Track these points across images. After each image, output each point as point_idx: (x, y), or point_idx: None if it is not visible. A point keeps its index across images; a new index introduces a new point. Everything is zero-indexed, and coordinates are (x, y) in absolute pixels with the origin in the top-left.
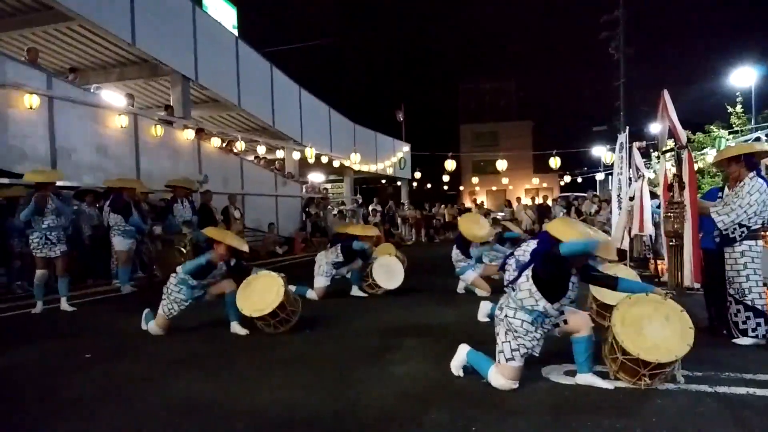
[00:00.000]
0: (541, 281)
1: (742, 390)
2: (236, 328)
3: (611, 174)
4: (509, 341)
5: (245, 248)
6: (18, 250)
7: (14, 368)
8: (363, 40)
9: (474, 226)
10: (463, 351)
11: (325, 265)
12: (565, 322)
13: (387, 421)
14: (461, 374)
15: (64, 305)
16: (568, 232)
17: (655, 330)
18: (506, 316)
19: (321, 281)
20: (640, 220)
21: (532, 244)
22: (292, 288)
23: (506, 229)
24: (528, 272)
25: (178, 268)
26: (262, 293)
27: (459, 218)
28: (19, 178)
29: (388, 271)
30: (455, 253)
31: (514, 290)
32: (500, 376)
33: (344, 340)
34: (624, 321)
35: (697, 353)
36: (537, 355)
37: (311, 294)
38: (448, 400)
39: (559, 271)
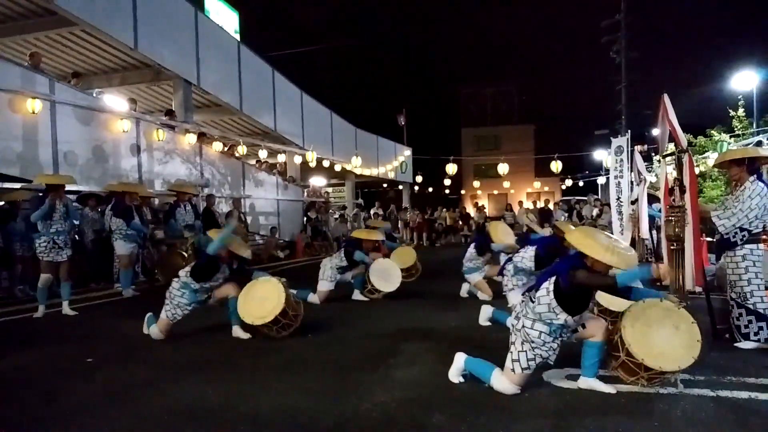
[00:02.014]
0: (564, 296)
1: (744, 394)
2: (238, 332)
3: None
4: (525, 351)
5: (248, 254)
6: (19, 254)
7: (16, 372)
8: (365, 44)
9: (505, 237)
10: (460, 359)
11: (329, 270)
12: (583, 326)
13: (389, 426)
14: (461, 380)
15: (66, 309)
16: (594, 246)
17: (663, 337)
18: (524, 326)
19: (325, 285)
20: (641, 224)
21: (530, 251)
22: (293, 292)
23: (531, 230)
24: (549, 286)
25: (181, 272)
26: (262, 300)
27: (491, 224)
28: (21, 182)
29: (385, 274)
30: (470, 252)
31: (533, 301)
32: (507, 381)
33: (346, 344)
34: (634, 324)
35: (699, 357)
36: (551, 363)
37: (313, 298)
38: (450, 405)
39: (583, 288)
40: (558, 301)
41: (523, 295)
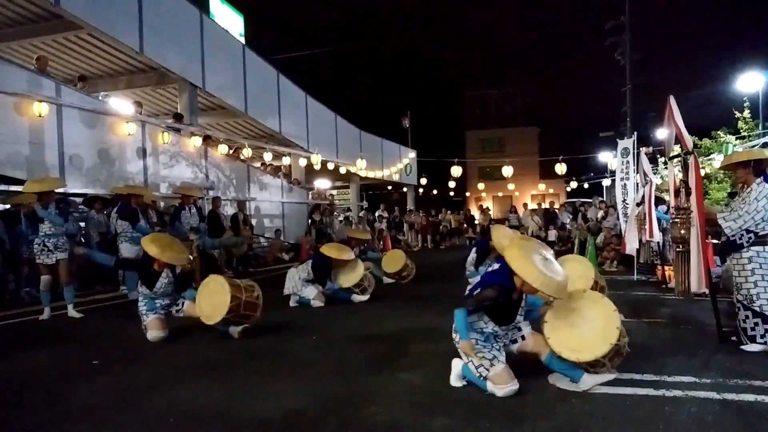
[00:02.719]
0: (490, 308)
1: (750, 397)
2: (231, 330)
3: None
4: (472, 360)
5: (181, 262)
6: (26, 256)
7: (22, 374)
8: (369, 47)
9: (505, 240)
10: (457, 365)
11: (298, 281)
12: (523, 338)
13: (393, 428)
14: (463, 384)
15: (71, 312)
16: (527, 268)
17: (581, 327)
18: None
19: (311, 291)
20: (650, 226)
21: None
22: (250, 283)
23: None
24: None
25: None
26: (211, 299)
27: (494, 226)
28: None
29: (345, 272)
30: (472, 256)
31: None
32: (495, 387)
33: (350, 346)
34: (555, 329)
35: (705, 360)
36: (504, 362)
37: (315, 303)
38: (454, 407)
39: (507, 302)
40: (485, 311)
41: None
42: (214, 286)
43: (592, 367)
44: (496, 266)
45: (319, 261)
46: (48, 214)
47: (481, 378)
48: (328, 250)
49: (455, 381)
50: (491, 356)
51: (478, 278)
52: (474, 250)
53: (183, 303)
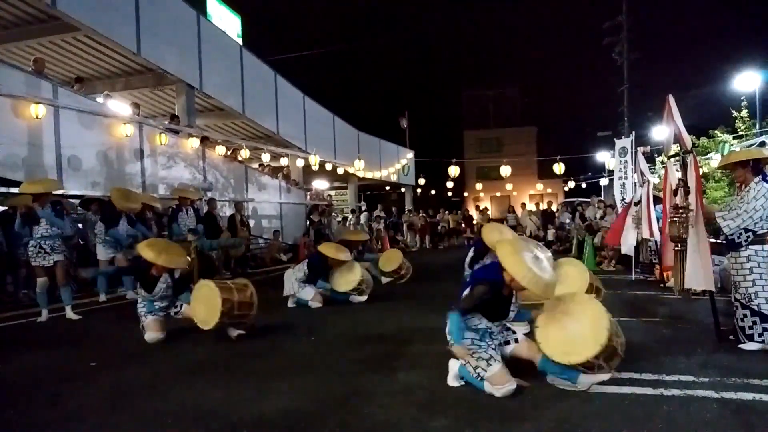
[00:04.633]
0: (481, 304)
1: (748, 395)
2: (231, 331)
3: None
4: (469, 361)
5: (179, 265)
6: (24, 258)
7: (20, 376)
8: (366, 47)
9: (496, 234)
10: (454, 365)
11: (295, 282)
12: (517, 341)
13: (392, 428)
14: (460, 384)
15: (69, 314)
16: (517, 264)
17: (572, 330)
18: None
19: (309, 292)
20: (649, 226)
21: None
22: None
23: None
24: (467, 292)
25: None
26: (206, 305)
27: (484, 225)
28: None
29: (341, 277)
30: (469, 256)
31: None
32: (493, 387)
33: (349, 346)
34: (548, 335)
35: (704, 359)
36: (501, 362)
37: (314, 303)
38: (453, 407)
39: (497, 298)
40: (476, 308)
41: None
42: (206, 291)
43: (589, 369)
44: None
45: (316, 260)
46: (49, 215)
47: (479, 379)
48: (326, 249)
49: (452, 381)
50: (487, 356)
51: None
52: (471, 249)
53: (181, 305)
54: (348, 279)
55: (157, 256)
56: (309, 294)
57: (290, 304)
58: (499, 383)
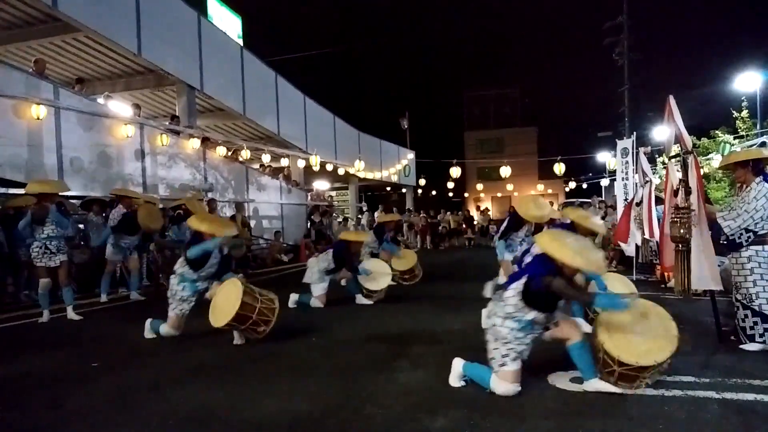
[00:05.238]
0: (532, 298)
1: (749, 396)
2: (237, 337)
3: (616, 180)
4: (498, 348)
5: (230, 233)
6: (24, 259)
7: (22, 377)
8: (367, 48)
9: (532, 206)
10: (458, 365)
11: (317, 272)
12: (556, 324)
13: (393, 429)
14: (463, 384)
15: (71, 314)
16: (563, 250)
17: (641, 333)
18: (494, 324)
19: (319, 289)
20: (650, 226)
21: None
22: (271, 296)
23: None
24: (519, 287)
25: (176, 266)
26: (224, 303)
27: (519, 200)
28: (24, 187)
29: (373, 274)
30: (503, 228)
31: (502, 300)
32: (499, 382)
33: (350, 347)
34: (611, 334)
35: (705, 359)
36: (525, 359)
37: (315, 302)
38: (454, 408)
39: (564, 282)
40: (526, 302)
41: (493, 294)
42: (232, 289)
43: (637, 374)
44: (528, 254)
45: (339, 248)
46: (58, 215)
47: (500, 365)
48: (346, 235)
49: (455, 381)
50: (519, 350)
51: (507, 255)
52: (506, 221)
53: (214, 284)
54: (379, 282)
55: (209, 226)
56: (317, 290)
57: (290, 304)
58: (507, 381)
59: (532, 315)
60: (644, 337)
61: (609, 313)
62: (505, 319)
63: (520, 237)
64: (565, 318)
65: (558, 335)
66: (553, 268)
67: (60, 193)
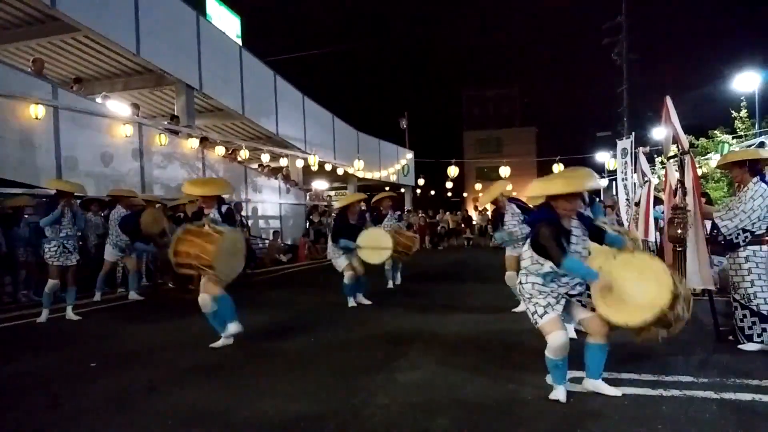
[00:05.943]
0: (540, 246)
1: (748, 396)
2: (231, 329)
3: (615, 180)
4: (528, 307)
5: (227, 192)
6: (23, 259)
7: (20, 377)
8: (366, 48)
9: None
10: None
11: (332, 250)
12: (585, 306)
13: (392, 429)
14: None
15: (70, 314)
16: (549, 183)
17: (634, 292)
18: (520, 283)
19: (342, 261)
20: (645, 226)
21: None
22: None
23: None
24: (529, 239)
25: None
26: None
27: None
28: (25, 188)
29: (372, 246)
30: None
31: (523, 259)
32: (546, 336)
33: (349, 347)
34: (603, 295)
35: (703, 359)
36: (558, 312)
37: (345, 279)
38: (453, 408)
39: (552, 233)
40: (538, 252)
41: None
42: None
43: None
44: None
45: (336, 220)
46: (79, 215)
47: (535, 324)
48: (342, 199)
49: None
50: (545, 303)
51: (505, 236)
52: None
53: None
54: (381, 254)
55: (202, 189)
56: (342, 263)
57: (350, 304)
58: (549, 330)
59: (548, 265)
60: (637, 295)
61: (606, 272)
62: (527, 275)
63: (512, 224)
64: (594, 315)
65: (586, 327)
66: (552, 213)
67: (50, 191)
